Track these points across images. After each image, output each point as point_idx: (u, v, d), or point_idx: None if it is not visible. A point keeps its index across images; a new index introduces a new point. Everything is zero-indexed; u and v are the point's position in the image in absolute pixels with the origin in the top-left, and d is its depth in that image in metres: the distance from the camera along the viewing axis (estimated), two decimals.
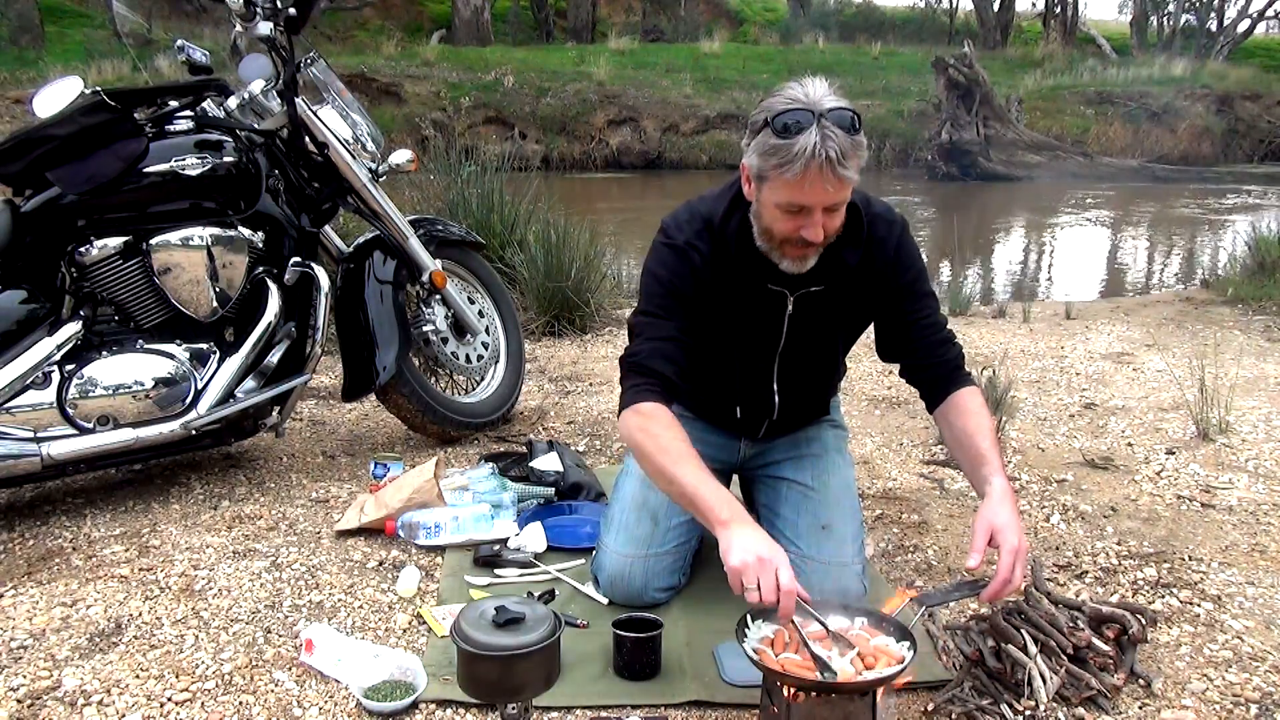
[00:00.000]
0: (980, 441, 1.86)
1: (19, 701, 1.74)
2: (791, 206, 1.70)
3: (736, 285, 1.90)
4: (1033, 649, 1.74)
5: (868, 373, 3.92)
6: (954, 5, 25.99)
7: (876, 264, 1.92)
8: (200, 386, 2.58)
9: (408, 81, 13.52)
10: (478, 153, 5.20)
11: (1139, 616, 1.86)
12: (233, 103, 2.72)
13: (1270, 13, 24.92)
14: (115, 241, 2.48)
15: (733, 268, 1.89)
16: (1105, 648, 1.77)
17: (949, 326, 2.03)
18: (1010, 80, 15.90)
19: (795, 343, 1.99)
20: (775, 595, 1.58)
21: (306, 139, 2.75)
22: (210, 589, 2.15)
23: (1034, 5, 26.80)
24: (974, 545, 1.74)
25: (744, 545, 1.62)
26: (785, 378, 2.05)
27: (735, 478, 2.37)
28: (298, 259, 2.75)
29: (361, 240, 3.00)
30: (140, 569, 2.24)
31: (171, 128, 2.57)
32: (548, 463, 2.72)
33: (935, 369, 1.98)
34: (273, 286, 2.69)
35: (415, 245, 2.98)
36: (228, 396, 2.62)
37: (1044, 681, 1.69)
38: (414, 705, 1.73)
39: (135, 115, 2.51)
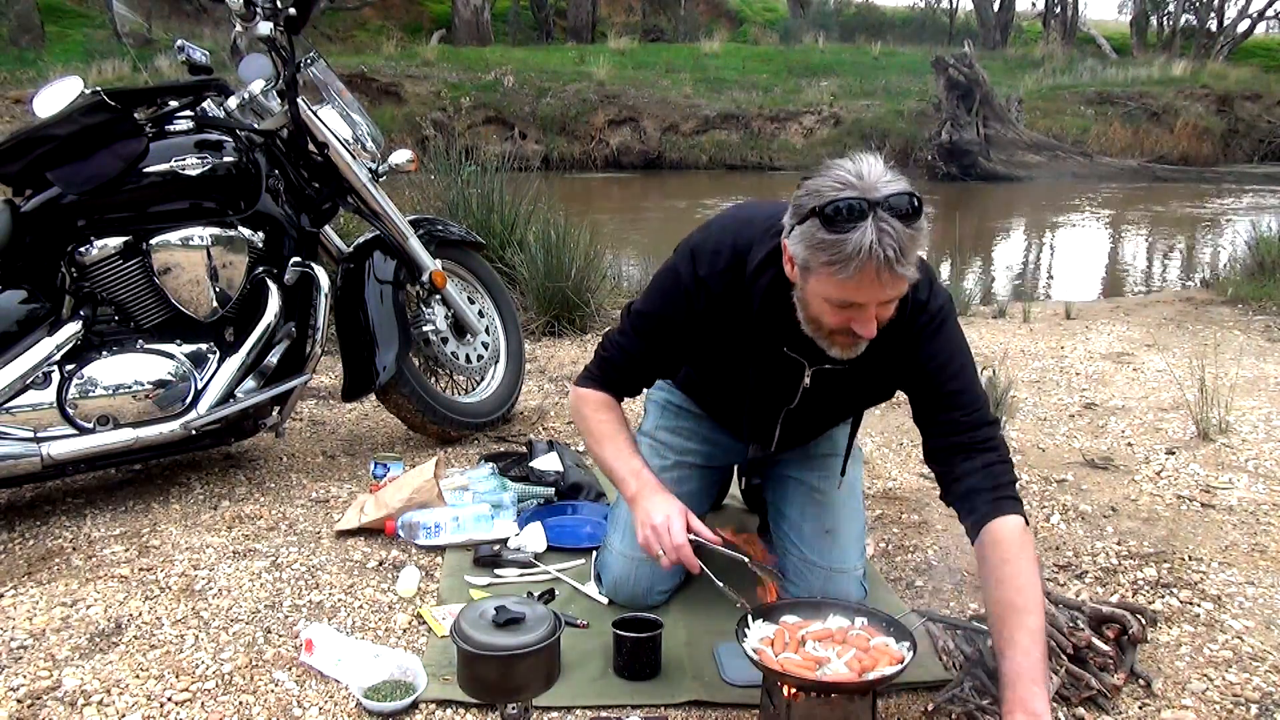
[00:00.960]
0: (1024, 621, 1.54)
1: (19, 701, 1.74)
2: (843, 303, 1.55)
3: (752, 342, 1.78)
4: None
5: None
6: (954, 5, 26.02)
7: (898, 342, 1.71)
8: (200, 386, 2.58)
9: (408, 81, 13.52)
10: (478, 153, 5.20)
11: (1139, 616, 1.86)
12: (233, 103, 2.72)
13: (1270, 13, 24.94)
14: (115, 241, 2.48)
15: (752, 324, 1.75)
16: (1105, 648, 1.77)
17: (994, 434, 1.72)
18: (1010, 80, 15.90)
19: (807, 407, 1.87)
20: (675, 555, 1.74)
21: (307, 139, 2.75)
22: (210, 589, 2.15)
23: (1034, 5, 26.84)
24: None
25: (643, 520, 1.78)
26: (789, 427, 1.95)
27: (735, 478, 2.38)
28: (298, 259, 2.75)
29: (361, 240, 3.00)
30: (140, 569, 2.24)
31: (171, 128, 2.57)
32: (548, 463, 2.72)
33: (967, 489, 1.69)
34: (273, 286, 2.69)
35: (415, 245, 2.98)
36: (228, 396, 2.62)
37: None
38: (414, 705, 1.73)
39: (135, 115, 2.51)
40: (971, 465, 1.69)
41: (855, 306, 1.55)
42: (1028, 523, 1.68)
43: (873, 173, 1.51)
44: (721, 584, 1.75)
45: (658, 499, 1.78)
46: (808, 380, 1.80)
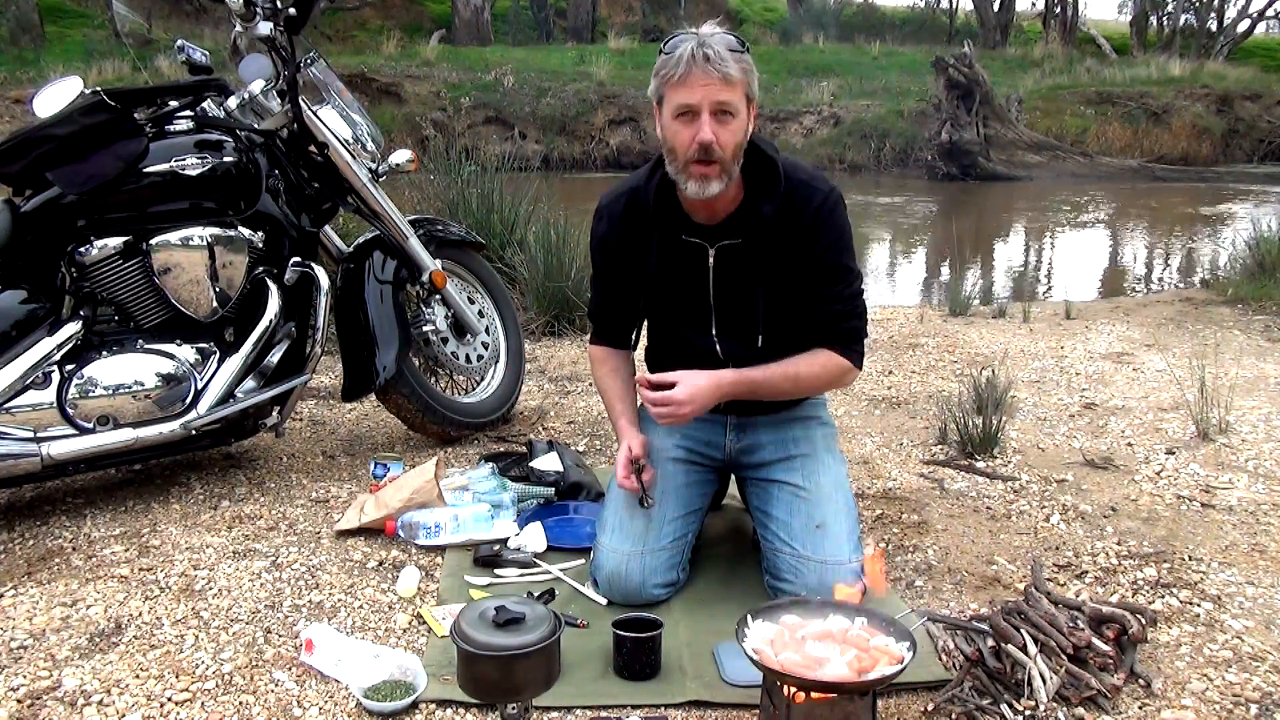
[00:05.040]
0: (770, 367, 2.03)
1: (19, 701, 1.74)
2: (682, 109, 1.84)
3: (658, 239, 2.04)
4: (1033, 649, 1.74)
5: (868, 373, 3.92)
6: (954, 5, 26.00)
7: (793, 225, 1.98)
8: (200, 386, 2.58)
9: (408, 81, 13.51)
10: (478, 153, 5.20)
11: (1139, 616, 1.86)
12: (233, 103, 2.72)
13: (1270, 13, 24.92)
14: (115, 241, 2.48)
15: (652, 223, 2.03)
16: (1105, 648, 1.77)
17: (861, 307, 2.07)
18: (1010, 80, 15.88)
19: (724, 298, 2.05)
20: (630, 480, 2.07)
21: (307, 139, 2.75)
22: (210, 589, 2.15)
23: (1034, 5, 26.80)
24: (649, 379, 2.03)
25: (616, 465, 2.12)
26: (725, 339, 2.09)
27: (735, 482, 2.38)
28: (298, 259, 2.75)
29: (361, 240, 3.00)
30: (140, 569, 2.24)
31: (171, 128, 2.57)
32: (548, 463, 2.72)
33: (819, 335, 2.05)
34: (273, 286, 2.69)
35: (415, 245, 2.98)
36: (228, 396, 2.62)
37: (1044, 681, 1.69)
38: (414, 705, 1.73)
39: (135, 115, 2.51)
40: (831, 323, 2.05)
41: (693, 115, 1.84)
42: (854, 362, 2.08)
43: (706, 29, 1.90)
44: (649, 500, 2.09)
45: (624, 436, 2.15)
46: (712, 259, 2.02)
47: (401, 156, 3.06)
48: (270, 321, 2.67)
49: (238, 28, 2.71)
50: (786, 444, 2.18)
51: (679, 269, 2.06)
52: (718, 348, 2.10)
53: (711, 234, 2.01)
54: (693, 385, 1.98)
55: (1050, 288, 7.12)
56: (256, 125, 2.72)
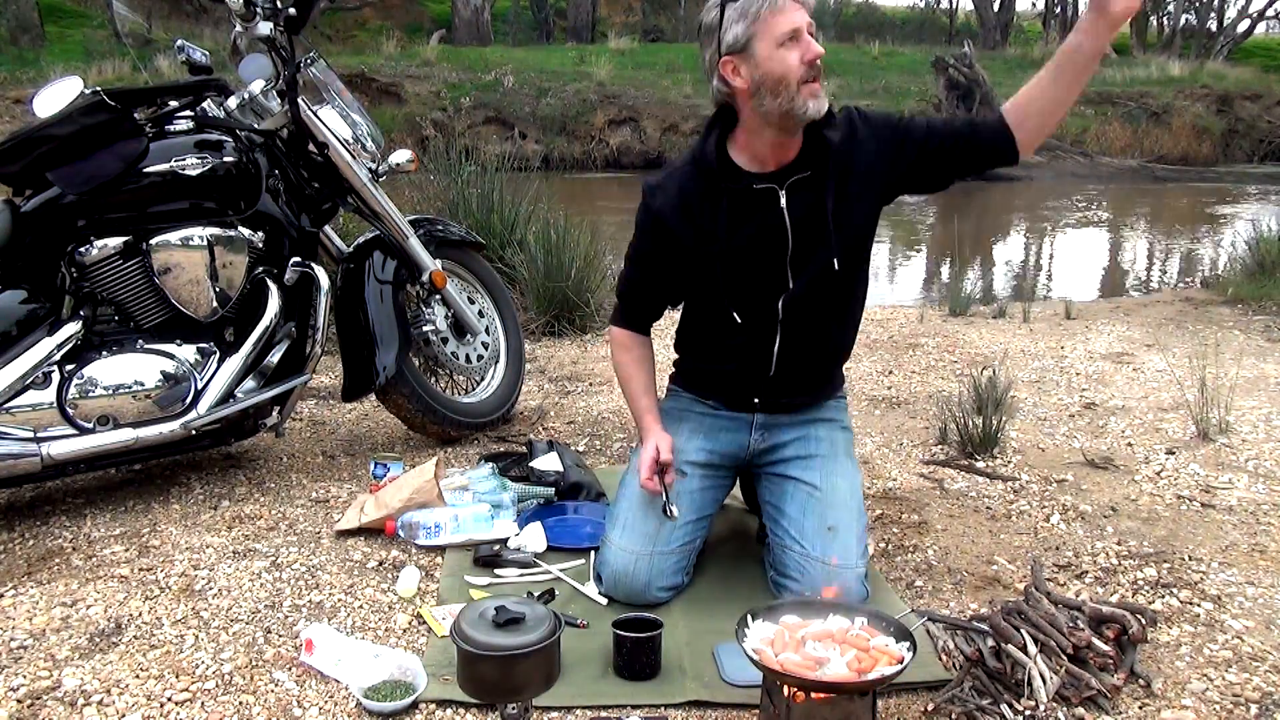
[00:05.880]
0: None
1: (19, 701, 1.74)
2: (788, 36, 1.88)
3: (728, 197, 2.03)
4: (1033, 649, 1.74)
5: (868, 373, 3.92)
6: (954, 5, 26.02)
7: (858, 136, 2.02)
8: (200, 386, 2.58)
9: (408, 81, 13.51)
10: (478, 153, 5.20)
11: (1139, 616, 1.86)
12: (233, 103, 2.72)
13: (1270, 13, 24.95)
14: (115, 241, 2.48)
15: (719, 182, 2.02)
16: (1105, 648, 1.77)
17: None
18: (1010, 80, 15.83)
19: (800, 232, 2.02)
20: (652, 481, 2.05)
21: (307, 139, 2.75)
22: (210, 589, 2.15)
23: (1034, 5, 26.83)
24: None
25: (641, 455, 2.10)
26: (799, 276, 2.06)
27: (737, 482, 2.38)
28: (298, 259, 2.75)
29: (361, 240, 3.00)
30: (140, 569, 2.24)
31: (171, 128, 2.57)
32: (548, 463, 2.72)
33: (983, 128, 2.02)
34: (273, 286, 2.69)
35: (415, 245, 2.98)
36: (228, 396, 2.62)
37: (1044, 681, 1.69)
38: (414, 705, 1.73)
39: (135, 115, 2.51)
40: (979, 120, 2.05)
41: (798, 38, 1.89)
42: None
43: None
44: (672, 507, 2.06)
45: (651, 435, 2.13)
46: (784, 199, 2.01)
47: (401, 156, 3.06)
48: (270, 321, 2.67)
49: (238, 28, 2.71)
50: (808, 443, 2.18)
51: (751, 220, 2.04)
52: (790, 283, 2.07)
53: (778, 175, 2.01)
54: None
55: (1050, 288, 7.12)
56: (256, 125, 2.72)
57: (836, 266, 2.03)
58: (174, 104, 2.62)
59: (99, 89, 2.44)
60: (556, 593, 2.13)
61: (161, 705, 1.74)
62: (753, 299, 2.09)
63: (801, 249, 2.04)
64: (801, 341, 2.12)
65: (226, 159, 2.58)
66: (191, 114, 2.62)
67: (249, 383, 2.67)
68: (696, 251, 2.07)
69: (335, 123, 2.85)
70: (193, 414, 2.56)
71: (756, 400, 2.18)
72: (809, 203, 2.01)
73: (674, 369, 2.33)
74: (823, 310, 2.10)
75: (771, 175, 2.01)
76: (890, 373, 3.94)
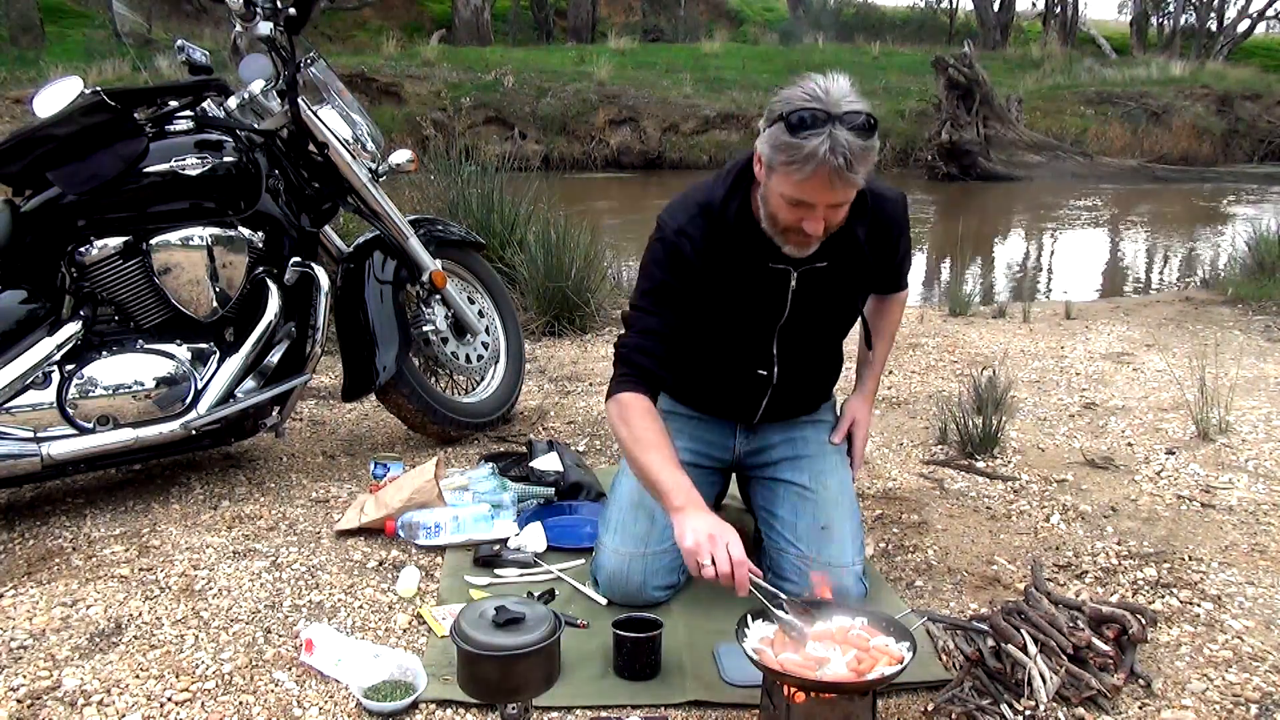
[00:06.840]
0: (876, 343, 2.24)
1: (19, 701, 1.74)
2: (796, 201, 1.74)
3: (738, 264, 1.93)
4: (1033, 649, 1.74)
5: None
6: (954, 5, 26.00)
7: (881, 239, 1.99)
8: (200, 386, 2.58)
9: (408, 81, 13.50)
10: (478, 153, 5.20)
11: (1139, 616, 1.86)
12: (233, 103, 2.72)
13: (1270, 13, 24.94)
14: (115, 241, 2.48)
15: (733, 248, 1.91)
16: (1105, 648, 1.77)
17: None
18: (1010, 80, 15.88)
19: (798, 317, 2.00)
20: (729, 567, 1.67)
21: (307, 139, 2.75)
22: (210, 589, 2.15)
23: (1034, 5, 26.82)
24: (838, 429, 2.21)
25: (695, 527, 1.73)
26: (785, 352, 2.06)
27: (734, 481, 2.38)
28: (298, 259, 2.75)
29: (361, 240, 3.00)
30: (140, 569, 2.24)
31: (171, 128, 2.57)
32: (548, 463, 2.72)
33: (887, 290, 2.21)
34: (273, 286, 2.69)
35: (415, 245, 2.98)
36: (228, 396, 2.62)
37: (1044, 681, 1.69)
38: (414, 705, 1.73)
39: (135, 115, 2.51)
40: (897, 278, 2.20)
41: (806, 206, 1.73)
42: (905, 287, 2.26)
43: (837, 90, 1.71)
44: (778, 610, 1.69)
45: (712, 518, 1.77)
46: (794, 282, 1.94)
47: (401, 156, 3.06)
48: (270, 321, 2.67)
49: (238, 28, 2.71)
50: (795, 444, 2.18)
51: (755, 294, 1.96)
52: (775, 366, 2.05)
53: (797, 260, 1.90)
54: (864, 424, 2.24)
55: (1050, 288, 7.12)
56: (256, 125, 2.72)
57: (812, 351, 2.11)
58: (174, 104, 2.62)
59: (99, 89, 2.44)
60: (556, 593, 2.13)
61: (161, 705, 1.74)
62: (737, 358, 2.09)
63: (790, 332, 2.03)
64: (791, 378, 2.11)
65: (226, 159, 2.58)
66: (191, 114, 2.62)
67: (249, 383, 2.67)
68: (707, 303, 1.97)
69: (335, 123, 2.85)
70: (193, 414, 2.56)
71: (741, 424, 2.21)
72: (816, 287, 1.97)
73: None
74: (811, 354, 2.12)
75: (790, 257, 1.89)
76: (890, 373, 3.94)
